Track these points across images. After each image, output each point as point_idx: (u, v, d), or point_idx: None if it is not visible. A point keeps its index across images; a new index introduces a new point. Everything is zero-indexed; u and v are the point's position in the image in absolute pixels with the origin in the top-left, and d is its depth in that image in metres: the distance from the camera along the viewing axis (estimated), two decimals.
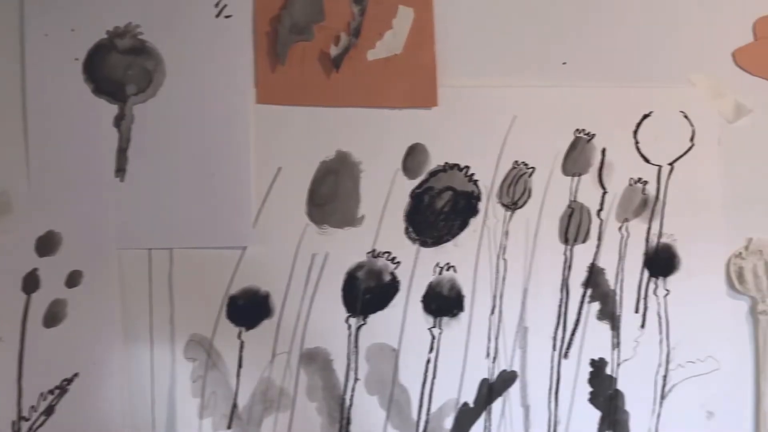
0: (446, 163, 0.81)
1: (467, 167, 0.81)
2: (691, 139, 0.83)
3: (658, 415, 0.82)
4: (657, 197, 0.83)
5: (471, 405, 0.81)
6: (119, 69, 0.78)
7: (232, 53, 0.79)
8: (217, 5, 0.78)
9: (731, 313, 0.83)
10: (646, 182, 0.83)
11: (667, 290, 0.82)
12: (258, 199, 0.79)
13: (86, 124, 0.77)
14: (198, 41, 0.78)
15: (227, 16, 0.79)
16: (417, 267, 0.81)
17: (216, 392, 0.78)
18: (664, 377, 0.82)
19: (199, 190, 0.78)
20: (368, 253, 0.80)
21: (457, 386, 0.80)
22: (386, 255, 0.80)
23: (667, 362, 0.82)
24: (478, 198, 0.82)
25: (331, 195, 0.80)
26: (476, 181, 0.82)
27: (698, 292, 0.83)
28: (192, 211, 0.78)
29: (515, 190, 0.82)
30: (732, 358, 0.83)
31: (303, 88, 0.79)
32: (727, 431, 0.82)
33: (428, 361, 0.80)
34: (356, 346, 0.80)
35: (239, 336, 0.78)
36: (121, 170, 0.78)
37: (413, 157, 0.81)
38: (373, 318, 0.80)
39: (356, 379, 0.79)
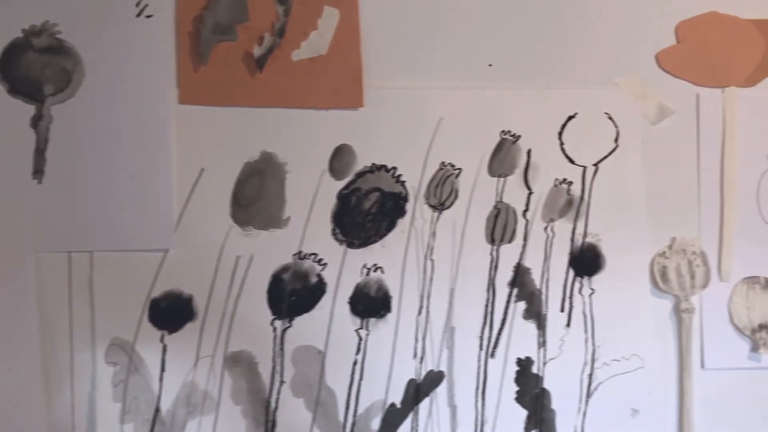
0: (373, 164, 0.81)
1: (394, 168, 0.81)
2: (616, 140, 0.84)
3: (584, 414, 0.83)
4: (582, 197, 0.83)
5: (398, 406, 0.81)
6: (36, 68, 0.76)
7: (154, 53, 0.78)
8: (138, 5, 0.77)
9: (655, 312, 0.84)
10: (571, 183, 0.83)
11: (592, 289, 0.83)
12: (180, 200, 0.78)
13: (1, 125, 0.75)
14: (118, 41, 0.77)
15: (148, 16, 0.77)
16: (344, 268, 0.80)
17: (138, 397, 0.77)
18: (590, 375, 0.83)
19: (119, 192, 0.77)
20: (294, 254, 0.80)
21: (384, 387, 0.80)
22: (312, 256, 0.80)
23: (593, 361, 0.83)
24: (405, 199, 0.82)
25: (256, 196, 0.79)
26: (403, 182, 0.82)
27: (623, 291, 0.83)
28: (112, 213, 0.76)
29: (442, 191, 0.82)
30: (656, 356, 0.84)
31: (226, 89, 0.79)
32: (651, 428, 0.83)
33: (355, 363, 0.80)
34: (282, 349, 0.79)
35: (162, 339, 0.77)
36: (38, 172, 0.76)
37: (340, 158, 0.81)
38: (299, 320, 0.79)
39: (282, 382, 0.79)
